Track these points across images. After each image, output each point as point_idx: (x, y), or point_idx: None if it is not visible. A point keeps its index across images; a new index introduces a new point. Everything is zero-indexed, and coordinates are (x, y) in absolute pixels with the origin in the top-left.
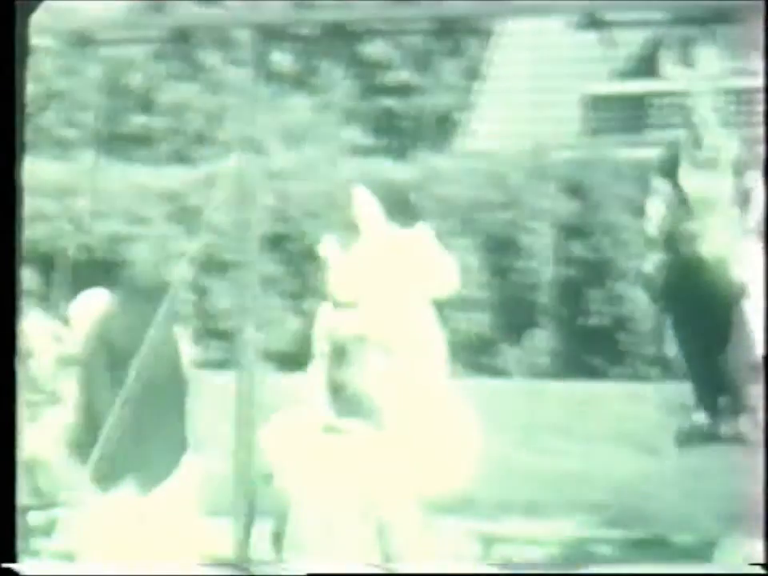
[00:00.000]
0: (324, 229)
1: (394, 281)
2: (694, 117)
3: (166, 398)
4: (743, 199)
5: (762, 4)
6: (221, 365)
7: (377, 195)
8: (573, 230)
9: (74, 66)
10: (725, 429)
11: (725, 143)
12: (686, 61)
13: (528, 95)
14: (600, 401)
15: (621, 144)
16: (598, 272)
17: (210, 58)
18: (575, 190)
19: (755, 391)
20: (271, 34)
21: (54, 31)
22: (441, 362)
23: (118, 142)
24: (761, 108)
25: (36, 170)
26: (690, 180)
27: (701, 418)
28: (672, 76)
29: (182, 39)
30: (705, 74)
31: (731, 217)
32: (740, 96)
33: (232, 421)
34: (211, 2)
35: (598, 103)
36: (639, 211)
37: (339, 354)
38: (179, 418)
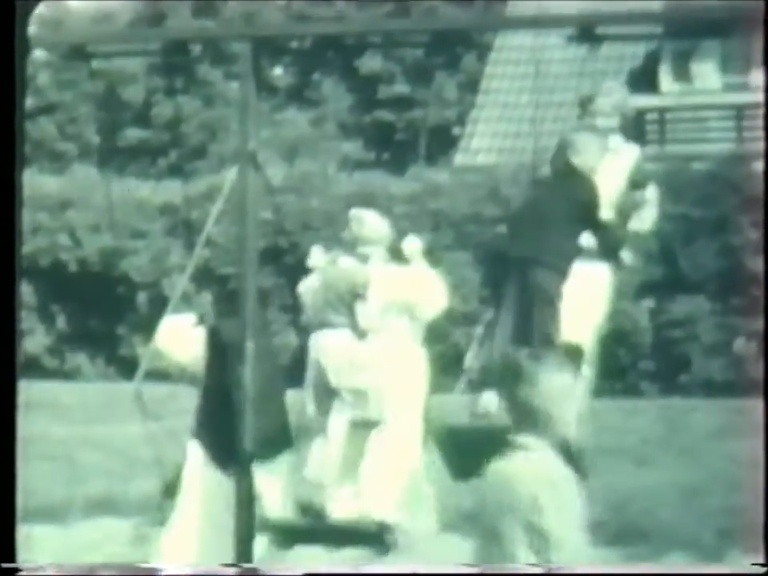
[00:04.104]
0: (321, 243)
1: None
2: None
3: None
4: None
5: (760, 19)
6: None
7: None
8: None
9: (71, 79)
10: None
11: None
12: (685, 76)
13: (525, 110)
14: (598, 415)
15: None
16: None
17: (208, 71)
18: None
19: None
20: (268, 48)
21: (51, 44)
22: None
23: (115, 156)
24: (759, 123)
25: (33, 184)
26: None
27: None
28: (671, 91)
29: (180, 52)
30: (703, 89)
31: None
32: (740, 111)
33: None
34: (208, 15)
35: None
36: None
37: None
38: None
